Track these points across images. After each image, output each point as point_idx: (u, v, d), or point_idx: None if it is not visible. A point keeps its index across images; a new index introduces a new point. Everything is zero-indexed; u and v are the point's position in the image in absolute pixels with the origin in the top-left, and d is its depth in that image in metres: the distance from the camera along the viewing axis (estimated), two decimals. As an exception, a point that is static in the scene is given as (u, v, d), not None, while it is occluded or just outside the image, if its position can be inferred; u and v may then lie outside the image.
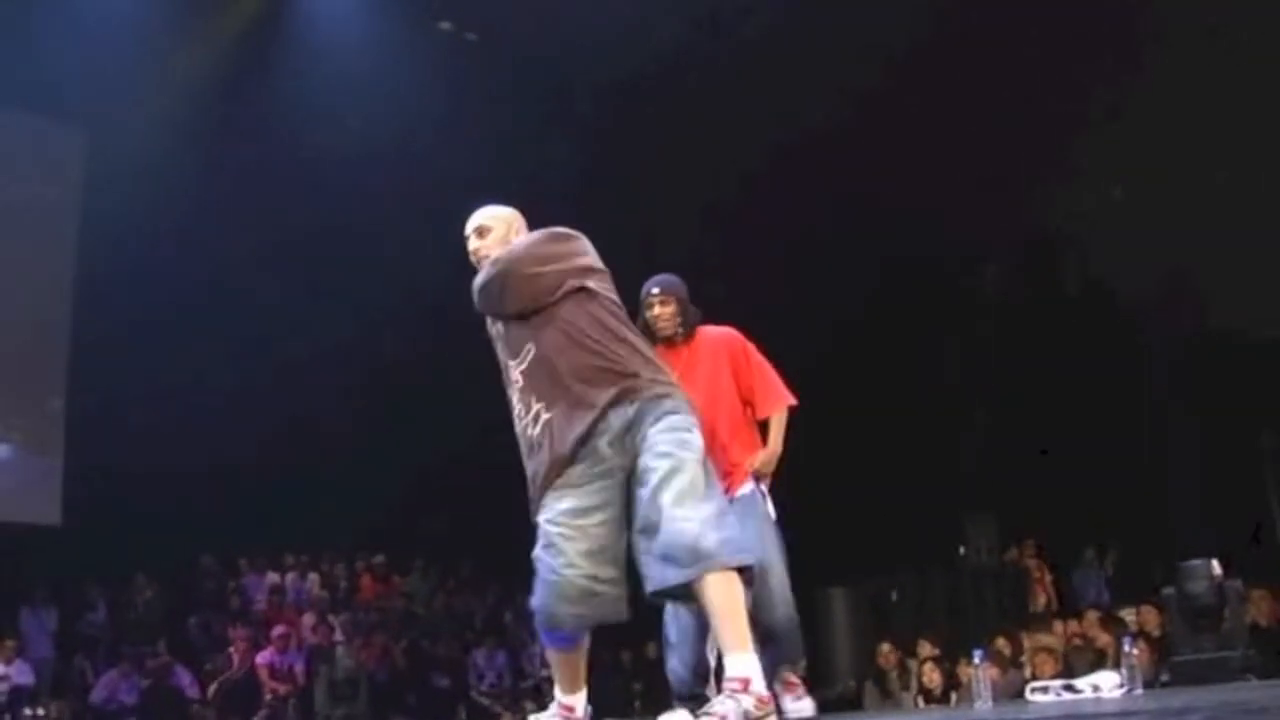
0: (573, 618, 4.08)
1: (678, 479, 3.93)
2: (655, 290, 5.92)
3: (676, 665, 5.81)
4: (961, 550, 13.59)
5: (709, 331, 6.03)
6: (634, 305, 5.59)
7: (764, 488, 5.90)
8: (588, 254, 4.35)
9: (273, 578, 14.53)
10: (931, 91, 12.48)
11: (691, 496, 3.90)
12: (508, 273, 4.21)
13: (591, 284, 4.25)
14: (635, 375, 4.12)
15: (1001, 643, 10.54)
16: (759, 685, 3.81)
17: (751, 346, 6.04)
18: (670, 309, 5.88)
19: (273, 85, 13.48)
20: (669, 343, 5.89)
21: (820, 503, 12.96)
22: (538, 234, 4.38)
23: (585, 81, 13.34)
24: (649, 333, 5.86)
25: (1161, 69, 11.87)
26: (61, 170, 14.53)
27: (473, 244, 4.48)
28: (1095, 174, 13.05)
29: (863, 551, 12.73)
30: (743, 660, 3.82)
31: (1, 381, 14.15)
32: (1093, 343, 13.58)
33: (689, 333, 5.92)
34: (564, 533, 4.03)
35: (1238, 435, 12.39)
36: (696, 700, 5.80)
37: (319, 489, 14.19)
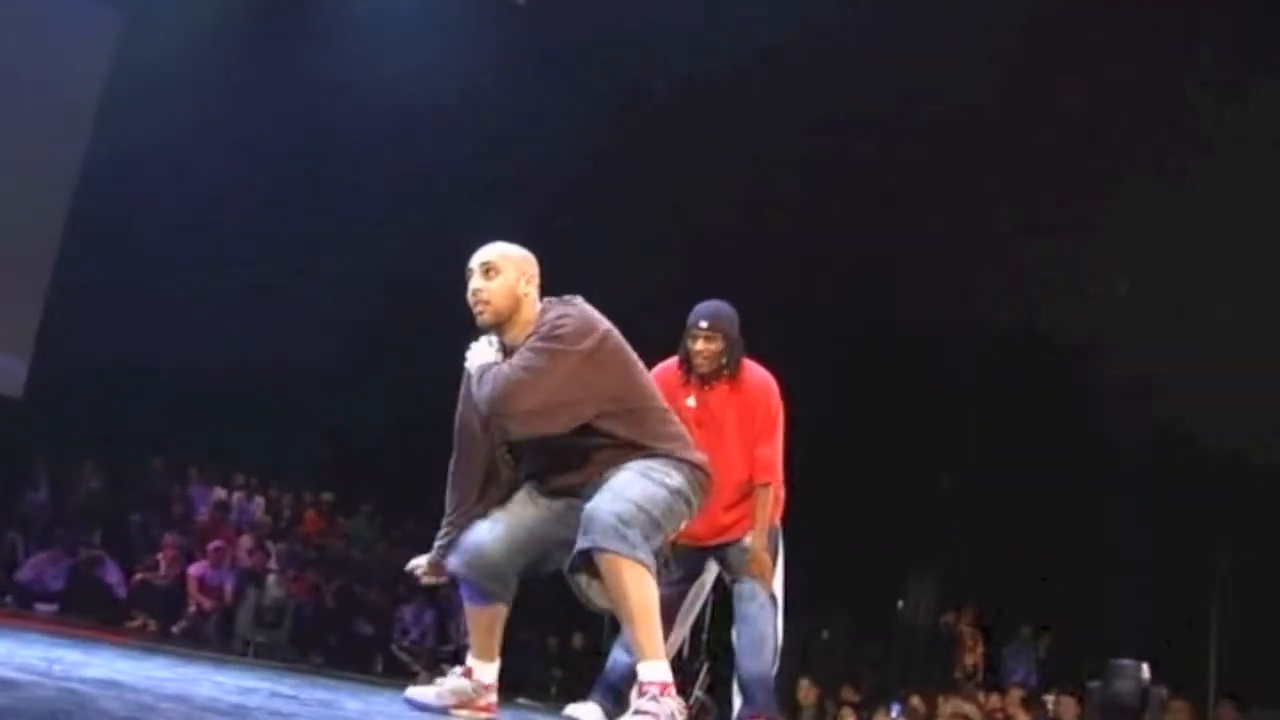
0: (462, 566, 4.16)
1: (617, 480, 3.93)
2: (703, 324, 5.62)
3: (621, 656, 5.66)
4: (900, 604, 13.64)
5: (751, 379, 5.76)
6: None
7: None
8: (602, 356, 4.03)
9: (219, 493, 14.50)
10: (917, 166, 12.58)
11: (628, 489, 3.87)
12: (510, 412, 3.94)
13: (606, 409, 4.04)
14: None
15: (917, 702, 10.59)
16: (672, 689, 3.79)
17: (778, 410, 5.79)
18: (715, 346, 5.60)
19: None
20: (704, 381, 5.69)
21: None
22: (551, 345, 3.94)
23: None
24: (687, 361, 5.70)
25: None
26: (91, 51, 14.45)
27: (476, 283, 4.05)
28: (1081, 274, 13.15)
29: (801, 586, 12.76)
30: (660, 667, 3.80)
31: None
32: (1060, 429, 13.61)
33: (733, 372, 5.68)
34: (515, 498, 4.20)
35: (1190, 545, 12.46)
36: (615, 697, 5.78)
37: (284, 416, 14.18)
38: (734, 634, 5.81)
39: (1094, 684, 9.57)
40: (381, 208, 14.09)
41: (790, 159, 13.04)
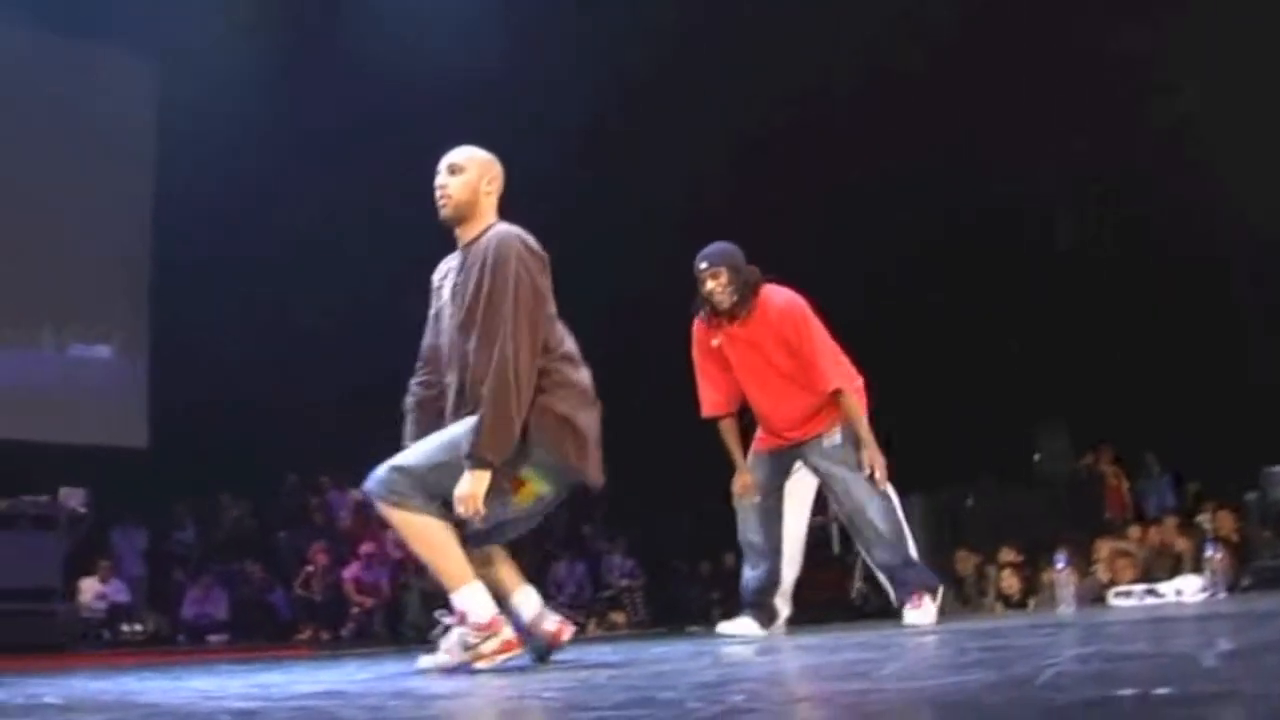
0: None
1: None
2: (703, 265, 5.88)
3: (748, 573, 6.06)
4: (1036, 458, 13.60)
5: (772, 301, 5.92)
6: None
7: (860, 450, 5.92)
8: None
9: (356, 494, 14.76)
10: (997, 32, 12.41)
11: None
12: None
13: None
14: None
15: (1072, 550, 10.57)
16: (476, 616, 3.90)
17: (808, 320, 5.93)
18: (722, 280, 5.82)
19: (342, 9, 13.57)
20: (732, 316, 5.89)
21: (895, 413, 13.07)
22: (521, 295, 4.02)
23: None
24: (710, 306, 5.94)
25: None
26: (137, 99, 14.70)
27: (440, 179, 4.26)
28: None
29: (938, 461, 12.76)
30: (457, 596, 3.95)
31: (90, 304, 14.45)
32: (1170, 246, 13.42)
33: (748, 302, 5.86)
34: None
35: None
36: (761, 609, 6.00)
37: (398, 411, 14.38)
38: (851, 530, 5.98)
39: (1249, 495, 9.53)
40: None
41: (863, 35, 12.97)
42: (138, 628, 12.32)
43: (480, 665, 3.83)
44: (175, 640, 12.46)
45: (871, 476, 5.82)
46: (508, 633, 3.94)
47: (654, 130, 13.72)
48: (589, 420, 4.12)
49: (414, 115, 13.36)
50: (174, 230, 14.11)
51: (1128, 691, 1.99)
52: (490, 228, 4.18)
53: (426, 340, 4.42)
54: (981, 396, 13.53)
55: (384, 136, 13.47)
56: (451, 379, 4.22)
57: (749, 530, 6.08)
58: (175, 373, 13.98)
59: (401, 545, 13.69)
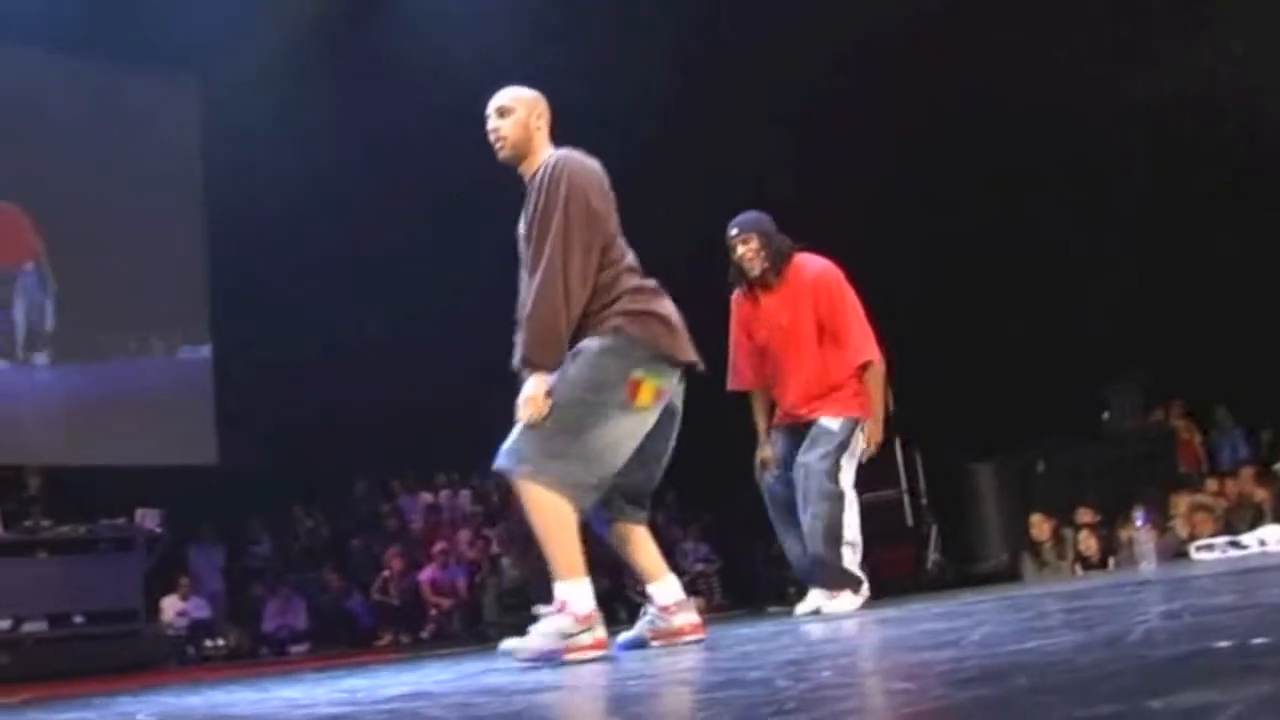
0: None
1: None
2: (734, 231, 5.96)
3: (798, 560, 6.08)
4: (1105, 415, 13.44)
5: (805, 269, 5.97)
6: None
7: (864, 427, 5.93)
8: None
9: (426, 497, 14.89)
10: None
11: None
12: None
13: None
14: None
15: (1150, 506, 10.47)
16: (578, 607, 3.89)
17: (843, 289, 5.97)
18: (753, 245, 5.90)
19: (380, 17, 13.65)
20: (764, 284, 5.94)
21: (959, 381, 12.96)
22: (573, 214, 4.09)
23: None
24: (740, 273, 6.00)
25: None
26: (181, 120, 14.87)
27: (492, 123, 4.33)
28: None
29: (1005, 425, 12.65)
30: (562, 586, 3.93)
31: (156, 323, 14.72)
32: (1231, 194, 13.21)
33: (780, 269, 5.92)
34: None
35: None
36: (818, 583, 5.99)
37: (461, 410, 14.46)
38: (803, 513, 5.91)
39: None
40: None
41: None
42: (220, 643, 12.45)
43: (571, 656, 3.82)
44: (257, 653, 12.59)
45: (835, 475, 5.79)
46: (601, 631, 3.95)
47: (708, 119, 13.65)
48: (668, 307, 4.21)
49: (462, 124, 13.40)
50: (231, 245, 14.23)
51: (1224, 644, 1.96)
52: (549, 157, 4.25)
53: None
54: (1046, 357, 13.38)
55: (434, 145, 13.53)
56: (520, 299, 4.24)
57: (774, 509, 6.12)
58: (239, 389, 14.11)
59: (475, 545, 13.76)
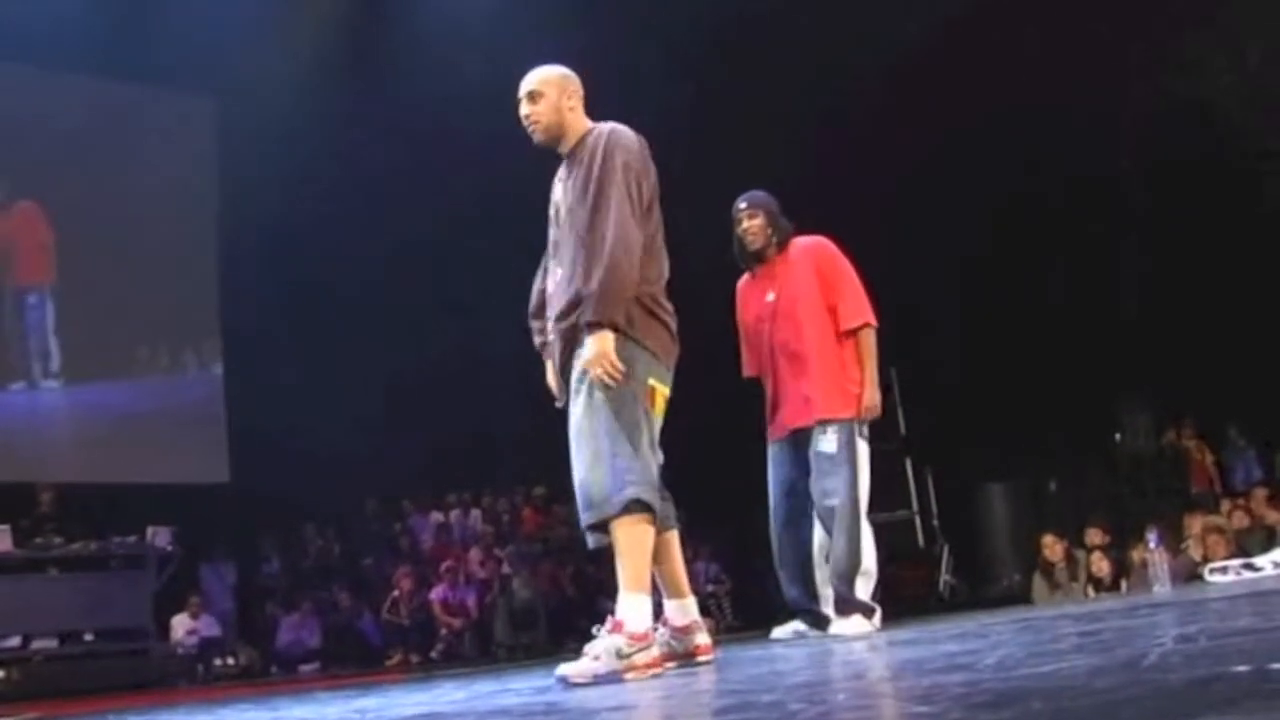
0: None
1: (573, 416, 4.08)
2: (743, 205, 6.05)
3: (787, 586, 6.06)
4: (1117, 437, 13.42)
5: (800, 243, 6.07)
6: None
7: (863, 430, 5.91)
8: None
9: (437, 516, 14.86)
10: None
11: (578, 437, 4.03)
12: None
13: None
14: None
15: (1163, 528, 10.43)
16: (635, 625, 3.85)
17: (840, 256, 6.06)
18: (758, 222, 5.99)
19: (394, 39, 13.67)
20: (761, 258, 6.02)
21: (971, 402, 12.91)
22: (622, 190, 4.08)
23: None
24: (741, 248, 6.07)
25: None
26: (197, 140, 14.93)
27: (524, 109, 4.28)
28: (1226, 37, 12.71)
29: (1017, 446, 12.63)
30: (623, 601, 3.90)
31: (167, 343, 14.75)
32: (1245, 210, 13.18)
33: (781, 246, 6.01)
34: None
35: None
36: (811, 614, 5.96)
37: (473, 431, 14.46)
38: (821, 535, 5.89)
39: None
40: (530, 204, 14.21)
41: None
42: (230, 661, 12.43)
43: (631, 676, 3.75)
44: (268, 672, 12.56)
45: (855, 510, 5.76)
46: (657, 650, 3.93)
47: (726, 135, 13.67)
48: (672, 317, 4.22)
49: (478, 148, 13.44)
50: (244, 265, 14.27)
51: (1242, 668, 1.95)
52: (591, 130, 4.24)
53: (536, 286, 4.48)
54: (1057, 379, 13.35)
55: (449, 169, 13.55)
56: (564, 270, 4.18)
57: (774, 546, 6.11)
58: (251, 408, 14.11)
59: (486, 564, 13.70)
